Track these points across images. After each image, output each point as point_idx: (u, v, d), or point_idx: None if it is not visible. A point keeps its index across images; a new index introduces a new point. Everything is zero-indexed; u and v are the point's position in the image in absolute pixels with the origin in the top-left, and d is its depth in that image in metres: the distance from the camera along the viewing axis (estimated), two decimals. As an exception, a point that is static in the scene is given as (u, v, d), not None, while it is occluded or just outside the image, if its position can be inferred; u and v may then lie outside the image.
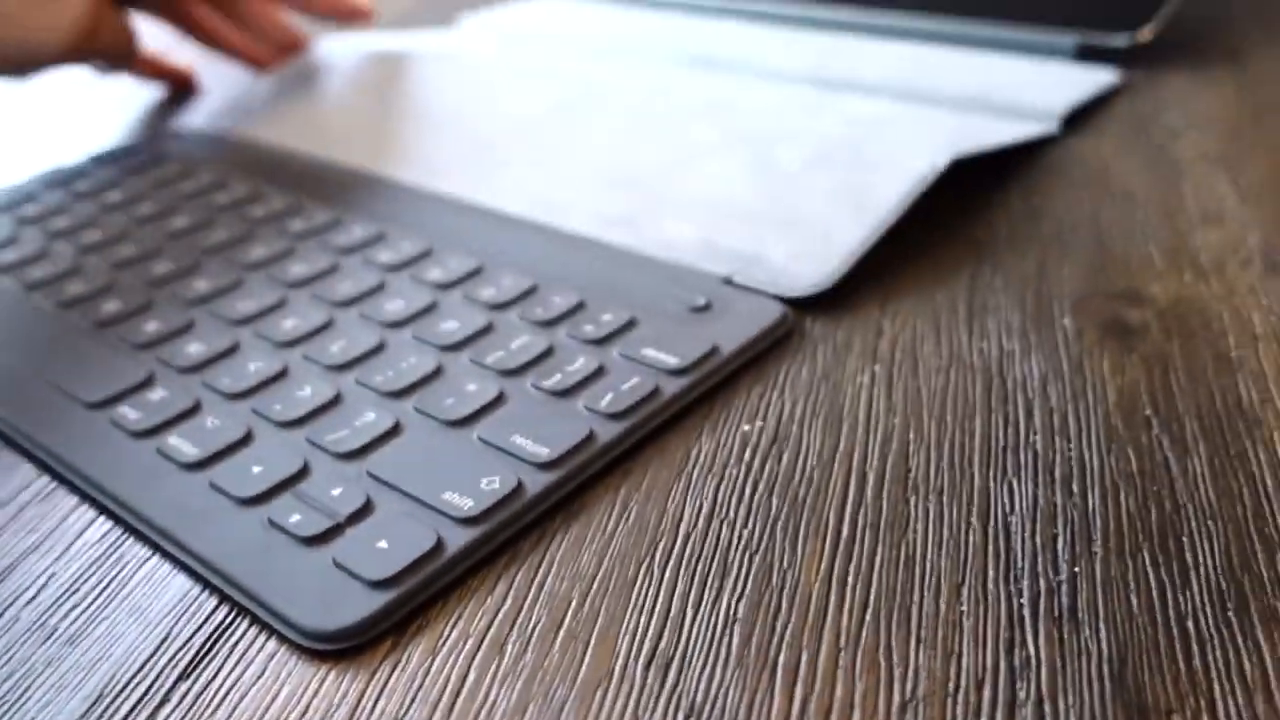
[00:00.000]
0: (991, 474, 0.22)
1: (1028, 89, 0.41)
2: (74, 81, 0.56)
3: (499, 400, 0.25)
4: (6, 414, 0.26)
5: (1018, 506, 0.22)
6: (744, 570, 0.20)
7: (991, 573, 0.20)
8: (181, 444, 0.25)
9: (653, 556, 0.21)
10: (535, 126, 0.40)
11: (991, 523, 0.21)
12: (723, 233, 0.32)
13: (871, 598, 0.20)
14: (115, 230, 0.36)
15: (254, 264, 0.33)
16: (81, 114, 0.51)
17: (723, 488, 0.23)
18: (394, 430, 0.25)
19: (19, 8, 0.39)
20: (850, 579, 0.20)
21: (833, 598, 0.20)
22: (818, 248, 0.30)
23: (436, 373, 0.27)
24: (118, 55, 0.44)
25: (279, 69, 0.50)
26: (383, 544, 0.21)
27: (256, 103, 0.47)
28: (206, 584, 0.21)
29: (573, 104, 0.41)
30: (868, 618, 0.19)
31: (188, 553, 0.22)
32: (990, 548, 0.21)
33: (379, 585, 0.20)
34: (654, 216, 0.33)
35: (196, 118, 0.47)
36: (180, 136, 0.44)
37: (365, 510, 0.22)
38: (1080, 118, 0.39)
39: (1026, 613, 0.19)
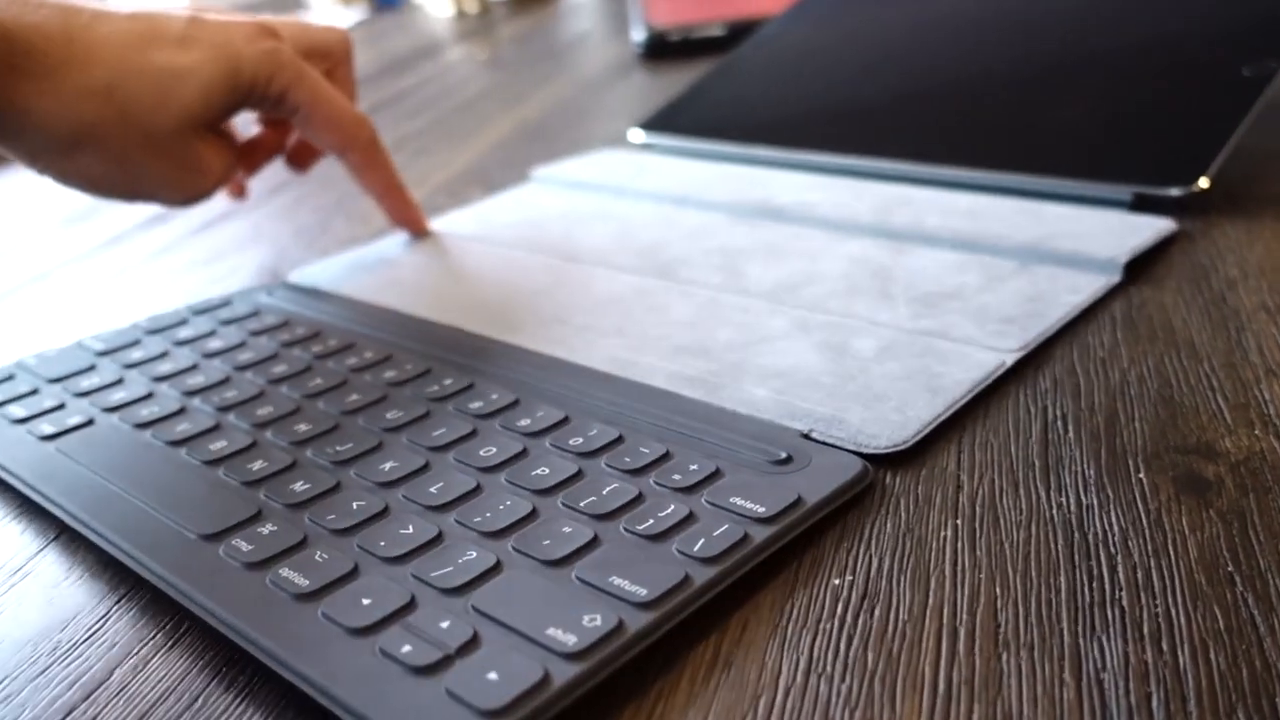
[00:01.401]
0: (1080, 630, 0.23)
1: (1089, 238, 0.43)
2: (167, 235, 0.60)
3: (594, 542, 0.26)
4: (128, 546, 0.28)
5: (1109, 663, 0.22)
6: (845, 725, 0.21)
7: (1089, 731, 0.20)
8: (293, 575, 0.26)
9: (755, 712, 0.22)
10: (614, 304, 0.42)
11: (1084, 680, 0.22)
12: (799, 398, 0.33)
13: (972, 755, 0.20)
14: (217, 376, 0.38)
15: (351, 410, 0.34)
16: (170, 268, 0.54)
17: (818, 642, 0.23)
18: (495, 568, 0.26)
19: (165, 171, 0.42)
20: (949, 736, 0.21)
21: (934, 755, 0.20)
22: (893, 417, 0.32)
23: (532, 515, 0.28)
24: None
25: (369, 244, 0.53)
26: (492, 675, 0.22)
27: (346, 264, 0.50)
28: (325, 729, 0.22)
29: (650, 289, 0.43)
30: (970, 776, 0.20)
31: (305, 680, 0.23)
32: (1085, 705, 0.21)
33: (490, 715, 0.21)
34: (732, 379, 0.35)
35: (286, 274, 0.50)
36: (272, 290, 0.47)
37: (473, 643, 0.23)
38: (1140, 267, 0.41)
39: (1127, 773, 0.20)
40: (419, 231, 0.52)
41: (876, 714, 0.21)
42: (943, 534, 0.27)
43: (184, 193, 0.44)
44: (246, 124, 0.48)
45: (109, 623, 0.27)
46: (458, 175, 0.65)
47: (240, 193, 0.53)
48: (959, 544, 0.26)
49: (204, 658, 0.25)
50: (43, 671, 0.25)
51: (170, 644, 0.26)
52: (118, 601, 0.27)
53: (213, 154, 0.44)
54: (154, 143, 0.41)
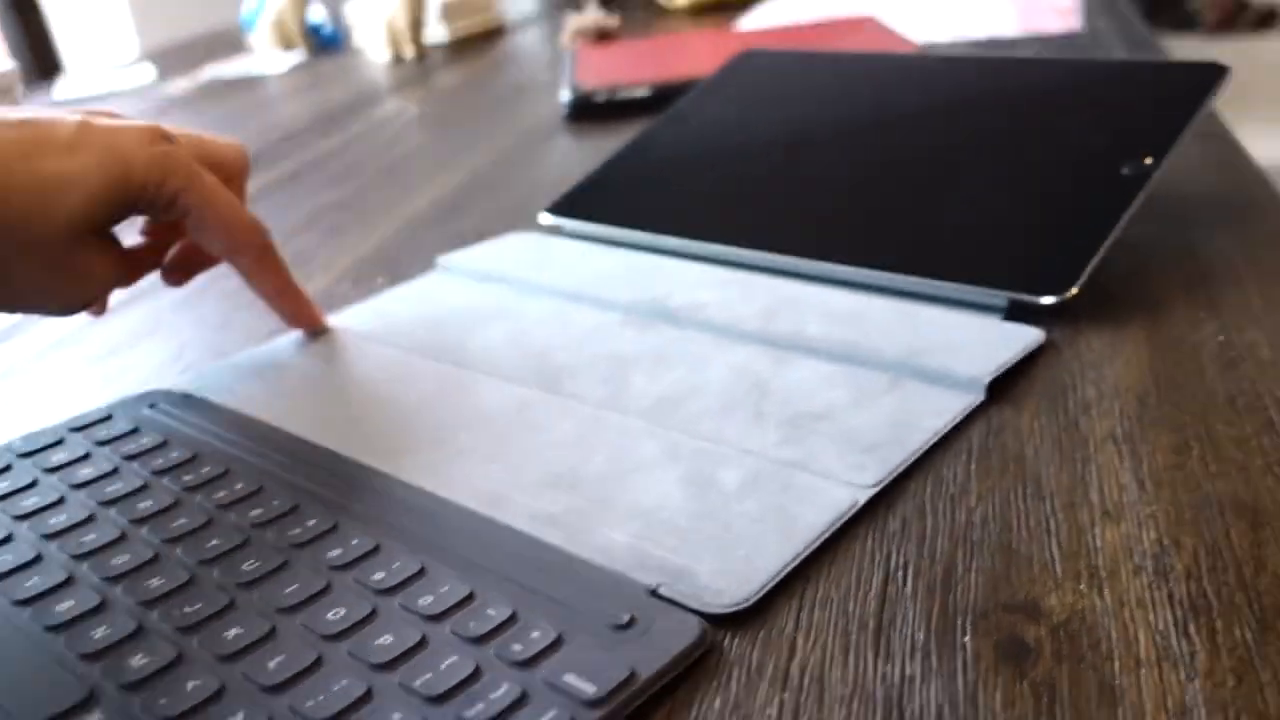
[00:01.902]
0: (881, 827, 0.24)
1: (958, 351, 0.44)
2: (62, 327, 0.59)
3: (424, 736, 0.27)
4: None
5: None
6: None
7: None
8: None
9: None
10: (496, 421, 0.43)
11: None
12: (654, 544, 0.34)
13: None
14: (80, 514, 0.38)
15: (209, 559, 0.34)
16: (63, 364, 0.54)
17: (625, 844, 0.24)
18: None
19: (45, 280, 0.41)
20: None
21: None
22: (741, 567, 0.32)
23: (366, 696, 0.28)
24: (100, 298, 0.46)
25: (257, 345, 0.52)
26: None
27: (236, 368, 0.50)
28: None
29: (533, 402, 0.44)
30: None
31: None
32: None
33: None
34: (595, 519, 0.35)
35: (170, 379, 0.50)
36: (156, 402, 0.46)
37: None
38: (1004, 383, 0.42)
39: None
40: (316, 329, 0.53)
41: None
42: (768, 712, 0.27)
43: (64, 301, 0.43)
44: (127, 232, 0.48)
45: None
46: (365, 259, 0.65)
47: (101, 311, 0.52)
48: (782, 721, 0.27)
49: None
50: None
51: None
52: (-53, 790, 0.27)
53: (99, 261, 0.43)
54: (34, 251, 0.41)
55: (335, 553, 0.34)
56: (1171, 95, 0.56)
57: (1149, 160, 0.52)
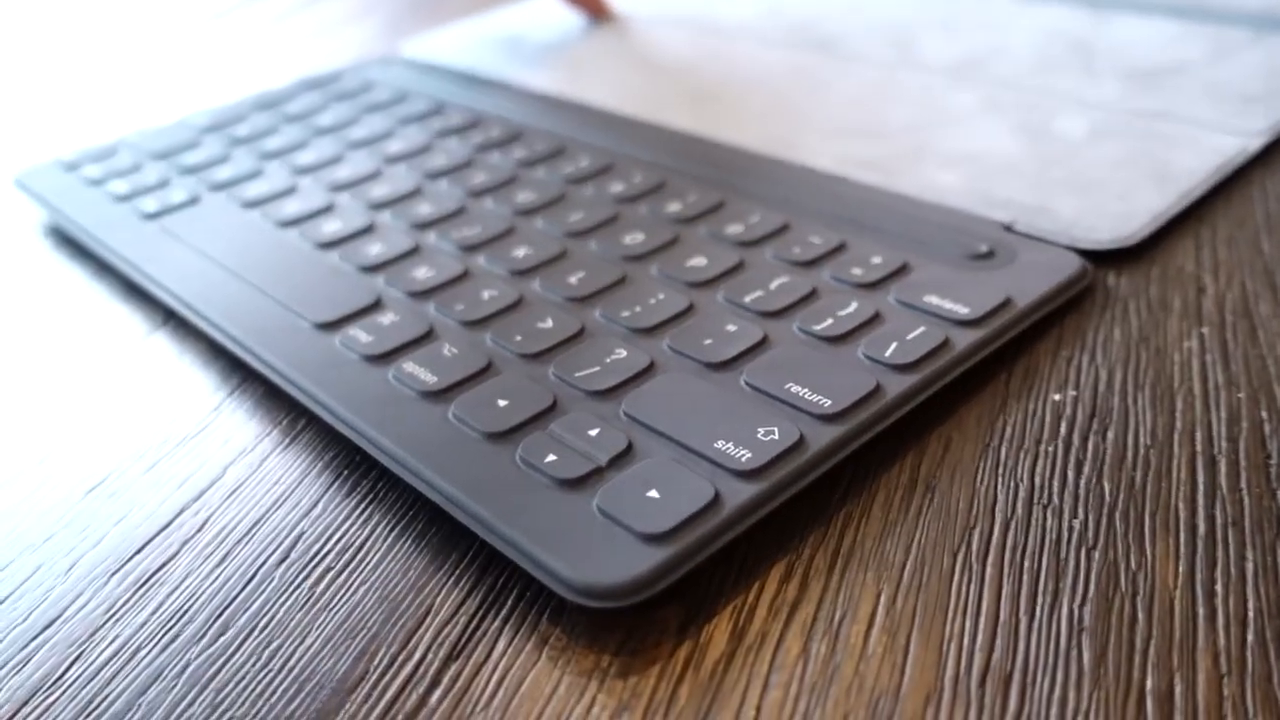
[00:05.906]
0: (1379, 466, 0.19)
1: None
2: (277, 10, 0.56)
3: (763, 343, 0.23)
4: (238, 333, 0.25)
5: None
6: (1083, 569, 0.17)
7: (1402, 592, 0.16)
8: (418, 371, 0.23)
9: (969, 547, 0.18)
10: (767, 82, 0.37)
11: (1389, 528, 0.17)
12: (995, 184, 0.28)
13: (1250, 614, 0.16)
14: (329, 153, 0.34)
15: (478, 190, 0.31)
16: (277, 41, 0.50)
17: (1040, 468, 0.19)
18: (649, 369, 0.22)
19: None
20: (1220, 589, 0.17)
21: (1201, 610, 0.16)
22: (1113, 206, 0.27)
23: (688, 310, 0.24)
24: None
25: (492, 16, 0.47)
26: (653, 493, 0.19)
27: (463, 35, 0.45)
28: (465, 543, 0.19)
29: (807, 66, 0.38)
30: (1250, 638, 0.16)
31: (435, 490, 0.20)
32: (1394, 560, 0.17)
33: (653, 539, 0.18)
34: (912, 163, 0.30)
35: (406, 46, 0.46)
36: (387, 64, 0.43)
37: (627, 454, 0.20)
38: None
39: None
40: (599, 15, 0.46)
41: (1120, 556, 0.17)
42: (1186, 344, 0.22)
43: None
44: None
45: (221, 416, 0.24)
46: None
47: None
48: (1207, 357, 0.22)
49: (324, 457, 0.22)
50: (151, 467, 0.23)
51: (288, 441, 0.23)
52: (230, 393, 0.25)
53: None
54: None
55: (617, 187, 0.30)
56: None
57: None
